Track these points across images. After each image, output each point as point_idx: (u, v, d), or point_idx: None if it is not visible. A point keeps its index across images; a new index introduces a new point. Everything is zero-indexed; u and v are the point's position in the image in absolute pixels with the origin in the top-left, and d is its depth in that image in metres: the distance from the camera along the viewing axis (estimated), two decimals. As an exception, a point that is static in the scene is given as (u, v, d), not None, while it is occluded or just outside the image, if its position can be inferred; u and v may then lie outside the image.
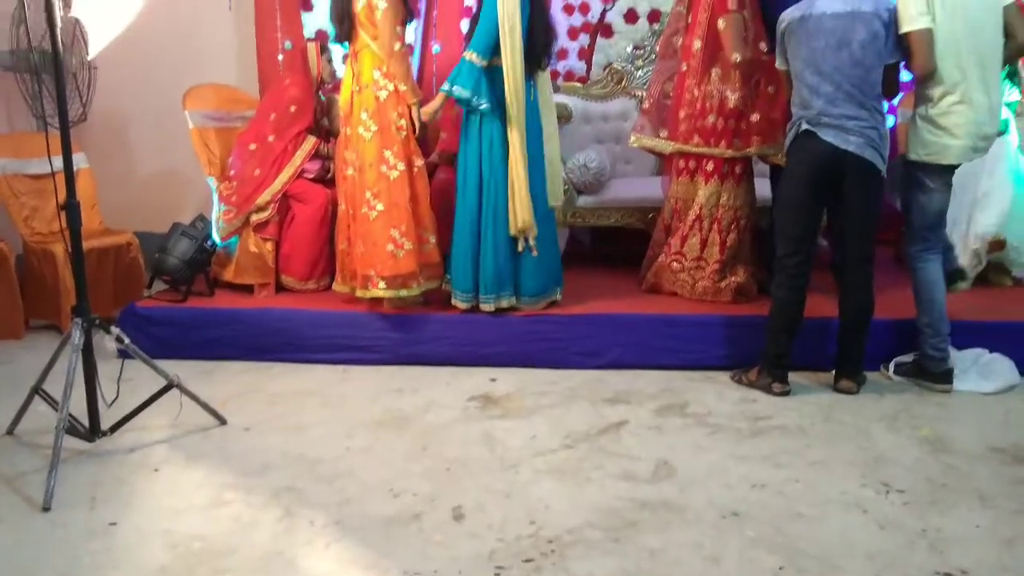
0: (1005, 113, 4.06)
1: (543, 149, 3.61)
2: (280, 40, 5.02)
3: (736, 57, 3.56)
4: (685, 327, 3.62)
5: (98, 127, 5.04)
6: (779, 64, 3.26)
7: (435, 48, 5.08)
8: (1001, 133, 4.03)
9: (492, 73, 3.43)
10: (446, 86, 3.47)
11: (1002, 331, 3.48)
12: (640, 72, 4.87)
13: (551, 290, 3.71)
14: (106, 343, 3.09)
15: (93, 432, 2.69)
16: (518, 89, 3.38)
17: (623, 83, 4.90)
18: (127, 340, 2.80)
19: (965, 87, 3.02)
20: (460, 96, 3.42)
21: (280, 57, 4.98)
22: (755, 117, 3.66)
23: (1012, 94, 4.21)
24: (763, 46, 3.57)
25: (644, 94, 4.42)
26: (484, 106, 3.42)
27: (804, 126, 3.08)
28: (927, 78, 3.04)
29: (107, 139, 5.14)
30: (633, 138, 4.04)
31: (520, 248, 3.56)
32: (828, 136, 3.02)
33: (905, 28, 2.99)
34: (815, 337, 3.40)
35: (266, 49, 5.03)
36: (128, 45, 5.02)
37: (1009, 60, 3.18)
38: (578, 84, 4.95)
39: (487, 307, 3.59)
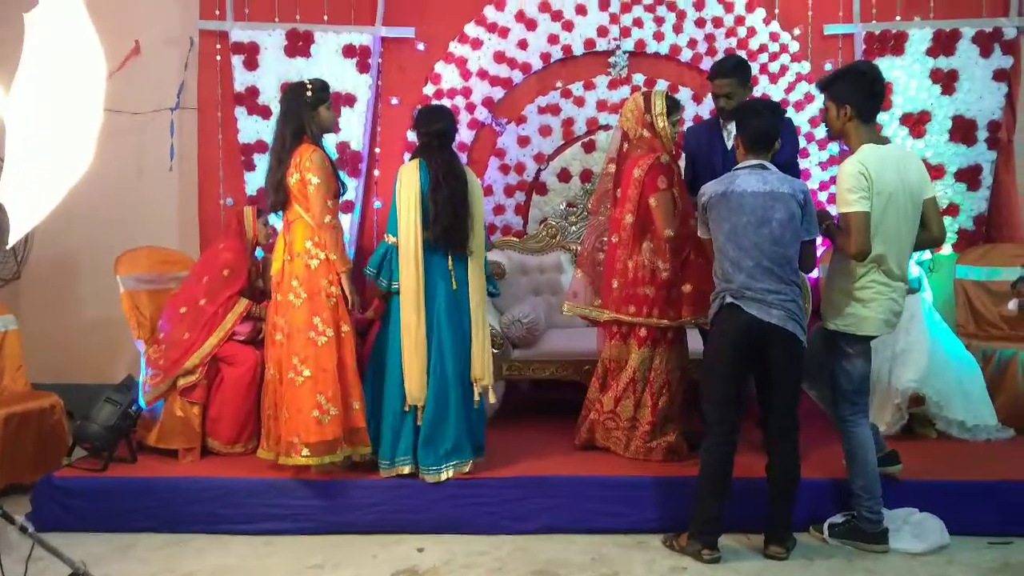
0: (917, 271, 4.25)
1: (468, 330, 3.65)
2: (222, 197, 5.16)
3: (668, 233, 3.69)
4: (617, 489, 3.59)
5: (35, 279, 5.04)
6: (701, 233, 3.38)
7: (376, 204, 5.26)
8: (915, 290, 4.23)
9: None
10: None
11: (931, 491, 3.50)
12: (573, 228, 5.04)
13: (454, 459, 3.61)
14: (10, 533, 2.96)
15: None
16: (411, 262, 3.50)
17: (558, 237, 5.06)
18: (31, 528, 2.68)
19: (885, 267, 3.14)
20: (367, 274, 3.61)
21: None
22: (687, 288, 3.75)
23: (925, 253, 4.43)
24: (692, 222, 3.70)
25: (579, 248, 4.60)
26: (383, 284, 3.58)
27: (728, 299, 3.15)
28: (859, 259, 3.11)
29: (44, 292, 5.14)
30: (566, 307, 4.10)
31: (419, 421, 3.57)
32: (751, 309, 3.09)
33: (843, 209, 3.08)
34: (746, 499, 3.37)
35: (208, 207, 5.16)
36: (69, 198, 5.08)
37: (918, 248, 3.33)
38: (515, 239, 5.10)
39: (389, 472, 3.59)
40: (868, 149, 3.12)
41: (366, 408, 3.63)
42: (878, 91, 3.24)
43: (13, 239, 2.47)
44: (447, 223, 3.55)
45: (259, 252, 4.40)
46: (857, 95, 3.16)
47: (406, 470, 3.59)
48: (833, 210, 3.48)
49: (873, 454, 3.29)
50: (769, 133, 3.24)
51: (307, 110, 3.58)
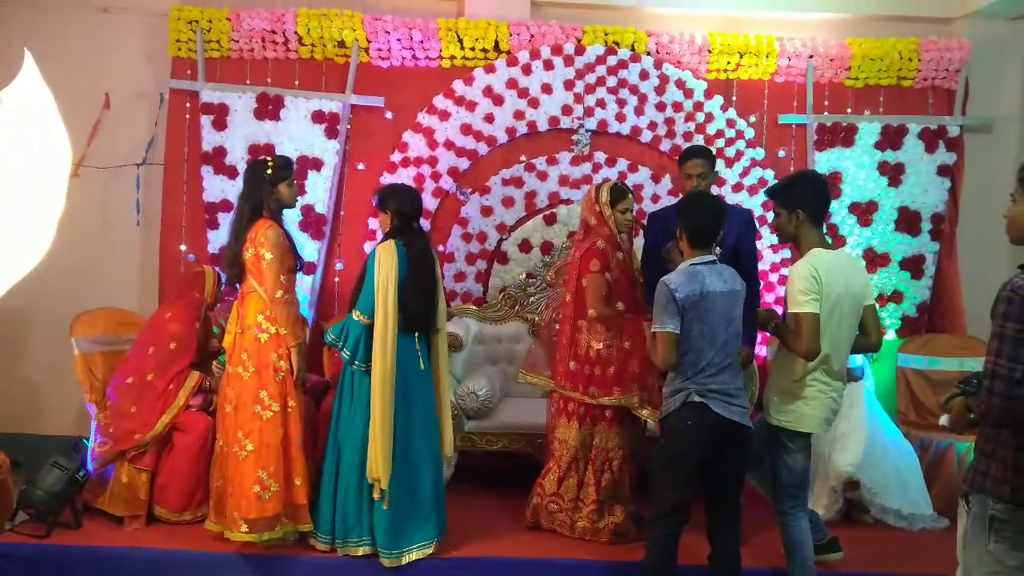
0: (860, 359, 4.40)
1: (435, 408, 3.73)
2: (184, 254, 5.17)
3: (591, 312, 3.82)
4: (563, 572, 3.63)
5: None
6: (670, 328, 3.15)
7: (338, 266, 5.31)
8: (858, 378, 4.36)
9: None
10: (331, 338, 3.70)
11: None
12: (532, 298, 5.12)
13: (418, 542, 3.63)
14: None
15: None
16: (387, 344, 3.53)
17: (516, 307, 5.13)
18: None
19: (826, 366, 3.24)
20: (328, 341, 3.67)
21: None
22: (611, 370, 3.84)
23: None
24: (620, 305, 3.83)
25: (539, 318, 4.83)
26: (346, 356, 3.60)
27: (694, 397, 3.15)
28: (809, 358, 3.17)
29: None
30: (520, 375, 4.23)
31: (376, 496, 3.56)
32: (717, 408, 3.13)
33: (794, 310, 3.14)
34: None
35: (168, 263, 5.17)
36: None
37: (856, 351, 3.44)
38: (474, 307, 5.17)
39: (339, 551, 3.60)
40: (819, 253, 3.23)
41: (329, 482, 3.63)
42: (826, 196, 3.38)
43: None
44: (422, 306, 3.62)
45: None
46: (809, 199, 3.28)
47: (359, 552, 3.59)
48: (779, 309, 3.60)
49: (810, 547, 3.37)
50: (716, 229, 3.32)
51: (266, 187, 3.64)
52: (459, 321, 4.95)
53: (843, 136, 5.19)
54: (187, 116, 5.16)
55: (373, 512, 3.59)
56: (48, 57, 3.87)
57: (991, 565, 2.27)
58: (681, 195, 4.12)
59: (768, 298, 5.10)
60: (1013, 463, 2.27)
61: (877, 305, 3.43)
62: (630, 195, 3.97)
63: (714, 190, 5.13)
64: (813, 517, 3.56)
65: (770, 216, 5.15)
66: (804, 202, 3.27)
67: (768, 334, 3.44)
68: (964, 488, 2.42)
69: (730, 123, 5.22)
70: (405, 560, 3.57)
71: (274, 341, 3.59)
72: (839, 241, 5.16)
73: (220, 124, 5.11)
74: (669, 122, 5.22)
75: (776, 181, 3.85)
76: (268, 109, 5.12)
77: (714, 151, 5.11)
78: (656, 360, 3.27)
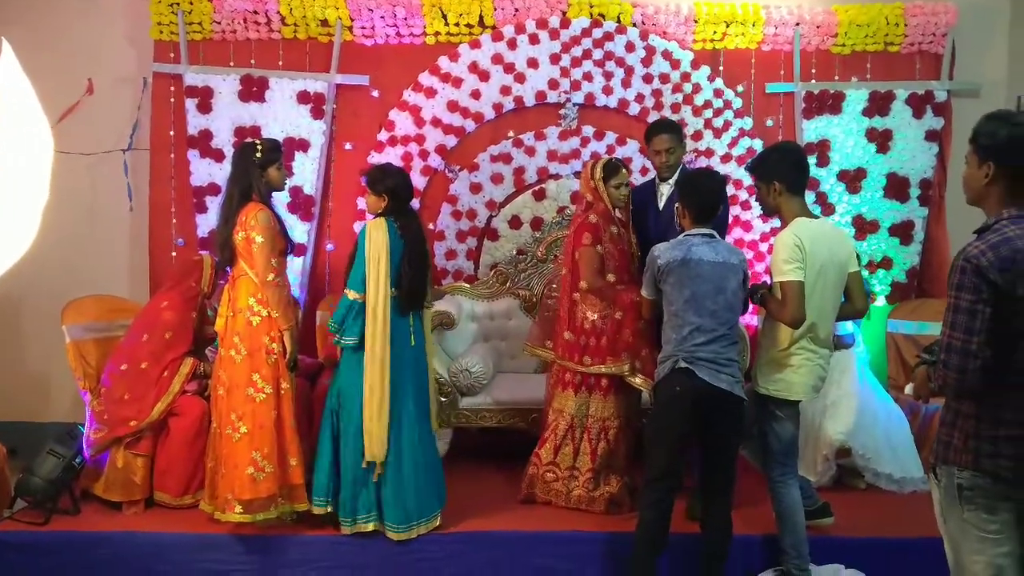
0: (851, 327, 4.42)
1: (427, 382, 3.77)
2: (174, 239, 5.17)
3: (583, 284, 3.89)
4: (559, 545, 3.67)
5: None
6: (648, 293, 3.47)
7: (329, 246, 5.30)
8: (849, 345, 4.39)
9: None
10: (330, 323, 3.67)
11: (858, 547, 3.64)
12: (523, 274, 5.12)
13: (424, 516, 3.67)
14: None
15: None
16: (379, 321, 3.53)
17: (508, 284, 5.13)
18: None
19: (812, 334, 3.28)
20: (331, 328, 3.61)
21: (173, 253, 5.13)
22: (604, 340, 3.89)
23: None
24: (611, 277, 3.87)
25: (531, 294, 5.01)
26: (347, 342, 3.56)
27: (681, 363, 3.21)
28: (794, 326, 3.20)
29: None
30: (526, 346, 4.34)
31: (376, 476, 3.59)
32: (703, 374, 3.18)
33: (779, 279, 3.17)
34: (682, 553, 3.47)
35: (158, 249, 5.16)
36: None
37: (842, 318, 3.47)
38: (466, 284, 5.17)
39: (347, 529, 3.61)
40: (802, 223, 3.26)
41: (328, 464, 3.65)
42: (803, 165, 3.39)
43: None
44: (415, 284, 3.63)
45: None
46: (784, 169, 3.30)
47: (370, 527, 3.62)
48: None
49: (801, 514, 3.42)
50: (715, 206, 3.40)
51: (255, 170, 3.63)
52: (451, 299, 4.96)
53: (831, 104, 5.18)
54: (171, 100, 5.14)
55: (381, 488, 3.61)
56: (28, 43, 3.86)
57: (973, 532, 2.28)
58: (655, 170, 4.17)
59: (758, 267, 5.11)
60: (974, 432, 2.26)
61: (867, 272, 3.45)
62: (623, 170, 3.98)
63: (703, 160, 5.19)
64: (804, 484, 3.60)
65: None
66: (779, 173, 3.29)
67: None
68: (931, 460, 2.42)
69: (717, 93, 5.21)
70: (414, 534, 3.61)
71: (266, 324, 3.60)
72: (828, 209, 5.17)
73: (205, 107, 5.08)
74: (656, 94, 5.20)
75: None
76: (253, 91, 5.09)
77: (702, 122, 5.19)
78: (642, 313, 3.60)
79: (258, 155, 3.64)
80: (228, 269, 3.75)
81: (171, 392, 3.94)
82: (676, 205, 3.46)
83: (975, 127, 2.33)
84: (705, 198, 3.37)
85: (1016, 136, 2.24)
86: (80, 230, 5.12)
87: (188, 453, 3.93)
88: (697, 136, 5.19)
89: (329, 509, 3.64)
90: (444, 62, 5.16)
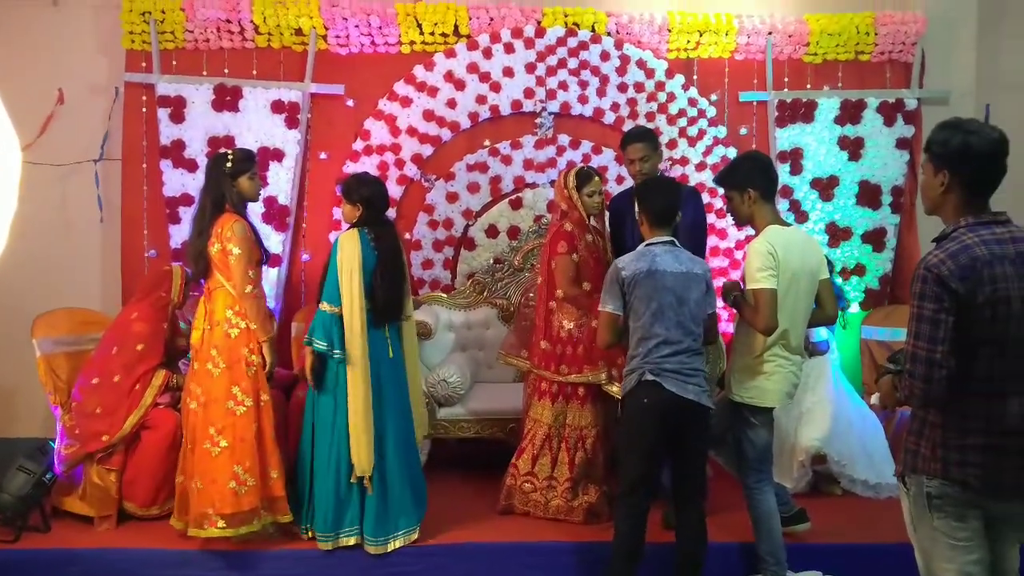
0: (826, 333, 4.46)
1: (407, 394, 3.75)
2: (146, 250, 5.11)
3: (559, 293, 3.92)
4: (537, 555, 3.66)
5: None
6: (614, 308, 3.29)
7: (304, 257, 5.27)
8: (823, 352, 4.43)
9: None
10: (307, 338, 3.59)
11: (835, 553, 3.66)
12: (500, 284, 5.12)
13: (403, 528, 3.66)
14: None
15: None
16: (356, 333, 3.50)
17: (485, 293, 5.13)
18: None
19: (784, 341, 3.30)
20: (319, 350, 3.54)
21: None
22: (580, 348, 3.91)
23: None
24: (587, 286, 3.88)
25: (508, 303, 5.03)
26: (337, 355, 3.52)
27: (648, 375, 3.20)
28: (767, 333, 3.22)
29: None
30: (499, 355, 4.39)
31: (369, 489, 3.57)
32: (670, 385, 3.17)
33: (752, 286, 3.19)
34: (659, 562, 3.48)
35: (131, 260, 5.10)
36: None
37: (814, 325, 3.50)
38: (443, 294, 5.16)
39: (328, 545, 3.58)
40: (774, 230, 3.28)
41: (306, 477, 3.63)
42: (773, 173, 3.44)
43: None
44: (389, 295, 3.61)
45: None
46: (755, 177, 3.33)
47: (351, 542, 3.59)
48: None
49: (777, 520, 3.44)
50: (672, 209, 3.37)
51: (227, 180, 3.60)
52: (428, 309, 4.95)
53: (803, 112, 5.23)
54: (144, 109, 5.08)
55: (364, 501, 3.59)
56: (-4, 52, 3.79)
57: (944, 540, 2.29)
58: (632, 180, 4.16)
59: (734, 275, 5.14)
60: (941, 441, 2.27)
61: (840, 279, 3.48)
62: (596, 178, 3.99)
63: (678, 169, 5.22)
64: (780, 491, 3.63)
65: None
66: (752, 181, 3.33)
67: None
68: (899, 469, 2.42)
69: (692, 102, 5.24)
70: (390, 547, 3.59)
71: (244, 336, 3.57)
72: (801, 217, 5.22)
73: (178, 117, 5.03)
74: (631, 103, 5.23)
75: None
76: (226, 100, 5.05)
77: (676, 131, 5.22)
78: (597, 340, 3.42)
79: (229, 165, 3.61)
80: (202, 281, 3.71)
81: (143, 405, 3.89)
82: (635, 212, 3.44)
83: (929, 136, 2.35)
84: (659, 201, 3.34)
85: (969, 144, 2.25)
86: (50, 242, 5.05)
87: (159, 465, 3.88)
88: (672, 144, 5.22)
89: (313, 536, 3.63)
90: (419, 71, 5.15)
